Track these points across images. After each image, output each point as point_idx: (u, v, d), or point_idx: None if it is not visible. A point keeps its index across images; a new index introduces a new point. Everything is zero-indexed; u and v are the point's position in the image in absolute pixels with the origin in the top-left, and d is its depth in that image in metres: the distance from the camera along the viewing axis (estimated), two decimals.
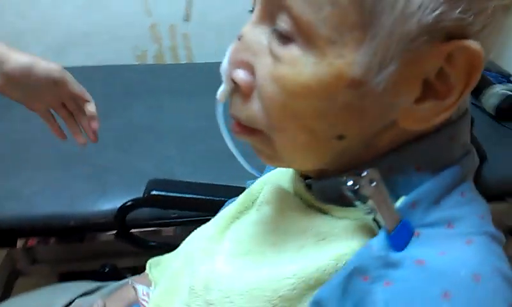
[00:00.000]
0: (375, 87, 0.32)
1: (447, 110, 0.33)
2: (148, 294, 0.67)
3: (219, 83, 0.39)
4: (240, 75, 0.36)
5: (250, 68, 0.36)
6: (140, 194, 0.88)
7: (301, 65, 0.32)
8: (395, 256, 0.32)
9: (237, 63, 0.36)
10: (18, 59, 0.64)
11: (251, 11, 0.36)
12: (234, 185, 0.79)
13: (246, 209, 0.52)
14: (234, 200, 0.56)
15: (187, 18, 1.73)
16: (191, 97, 1.40)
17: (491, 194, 1.06)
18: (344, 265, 0.34)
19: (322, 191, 0.41)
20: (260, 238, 0.44)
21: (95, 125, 0.73)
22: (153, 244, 1.00)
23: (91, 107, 0.72)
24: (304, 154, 0.38)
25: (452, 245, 0.32)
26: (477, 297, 0.29)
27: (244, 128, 0.38)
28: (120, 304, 0.68)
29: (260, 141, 0.38)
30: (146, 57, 1.77)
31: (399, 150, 0.36)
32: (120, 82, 1.49)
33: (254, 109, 0.36)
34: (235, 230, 0.50)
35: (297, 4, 0.31)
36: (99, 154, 1.09)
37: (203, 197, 0.88)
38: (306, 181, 0.43)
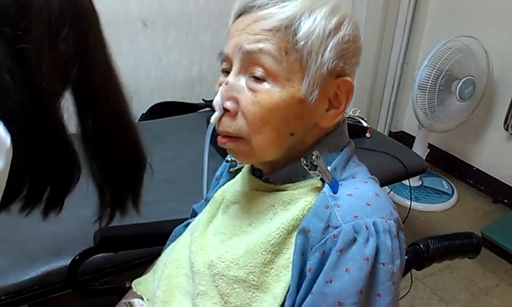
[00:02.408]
0: (310, 102, 0.59)
1: (340, 114, 0.63)
2: (143, 304, 0.75)
3: None
4: (230, 104, 0.60)
5: (235, 100, 0.60)
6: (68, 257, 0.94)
7: (271, 93, 0.58)
8: (336, 194, 0.59)
9: (226, 97, 0.61)
10: None
11: (220, 55, 0.63)
12: (174, 218, 0.95)
13: (216, 213, 0.74)
14: (183, 225, 0.87)
15: None
16: None
17: None
18: (309, 209, 0.59)
19: (278, 178, 0.65)
20: (237, 223, 0.67)
21: None
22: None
23: None
24: (272, 148, 0.61)
25: (359, 185, 0.61)
26: (380, 203, 0.58)
27: (230, 138, 0.62)
28: None
29: (242, 146, 0.62)
30: None
31: (319, 142, 0.64)
32: None
33: (239, 124, 0.60)
34: (213, 227, 0.72)
35: (268, 62, 0.57)
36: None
37: (152, 231, 0.98)
38: (263, 178, 0.67)
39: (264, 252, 0.61)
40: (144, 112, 1.97)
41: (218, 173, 0.84)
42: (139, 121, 1.94)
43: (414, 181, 2.32)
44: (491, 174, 2.39)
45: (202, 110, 2.00)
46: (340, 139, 0.66)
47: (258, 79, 0.58)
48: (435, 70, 2.03)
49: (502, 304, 1.75)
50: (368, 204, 0.57)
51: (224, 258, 0.64)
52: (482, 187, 2.44)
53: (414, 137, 2.41)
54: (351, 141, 0.68)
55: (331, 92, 0.61)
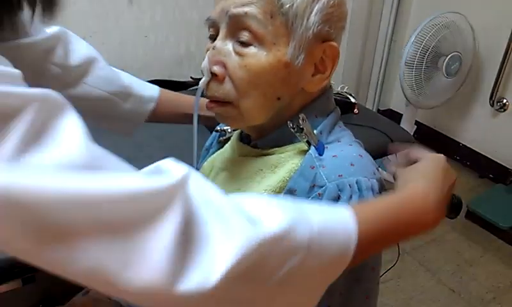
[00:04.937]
0: (296, 66, 0.60)
1: (326, 79, 0.63)
2: None
3: None
4: (217, 69, 0.60)
5: (222, 64, 0.60)
6: None
7: (258, 57, 0.59)
8: (322, 156, 0.60)
9: (213, 62, 0.61)
10: None
11: (207, 20, 0.64)
12: None
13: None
14: None
15: None
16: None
17: None
18: (296, 171, 0.61)
19: (265, 143, 0.67)
20: (227, 190, 0.65)
21: None
22: None
23: None
24: (260, 112, 0.62)
25: (344, 148, 0.63)
26: (363, 163, 0.61)
27: (218, 103, 0.62)
28: None
29: (231, 110, 0.62)
30: None
31: (305, 107, 0.65)
32: None
33: (227, 88, 0.61)
34: None
35: (253, 26, 0.58)
36: None
37: None
38: (251, 143, 0.69)
39: None
40: None
41: (208, 143, 0.84)
42: None
43: None
44: (477, 150, 2.43)
45: (191, 88, 2.00)
46: (327, 105, 0.67)
47: (245, 43, 0.59)
48: (422, 47, 2.04)
49: (486, 274, 1.80)
50: (352, 165, 0.59)
51: None
52: (468, 163, 2.48)
53: (401, 115, 2.43)
54: (337, 108, 0.70)
55: (317, 57, 0.62)
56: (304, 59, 0.60)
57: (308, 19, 0.59)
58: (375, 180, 0.59)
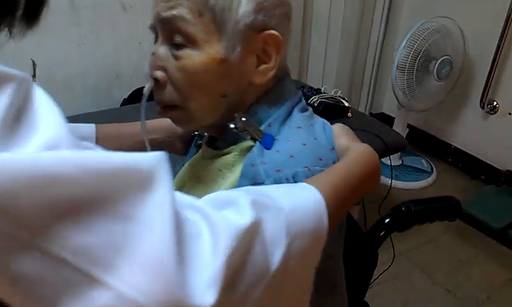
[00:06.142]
0: (233, 61, 0.58)
1: (272, 69, 0.61)
2: None
3: None
4: (158, 74, 0.60)
5: (163, 69, 0.60)
6: None
7: (192, 57, 0.58)
8: (266, 151, 0.59)
9: (154, 67, 0.60)
10: None
11: (150, 27, 0.62)
12: None
13: (183, 186, 0.72)
14: None
15: (34, 79, 1.79)
16: None
17: None
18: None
19: (222, 142, 0.66)
20: (197, 195, 0.60)
21: None
22: None
23: None
24: (207, 111, 0.62)
25: (292, 136, 0.61)
26: (306, 152, 0.58)
27: (166, 108, 0.62)
28: None
29: (179, 113, 0.62)
30: None
31: (259, 100, 0.63)
32: None
33: (170, 92, 0.60)
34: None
35: (184, 27, 0.57)
36: None
37: None
38: (214, 144, 0.68)
39: None
40: (126, 97, 1.96)
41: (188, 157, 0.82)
42: (121, 106, 1.93)
43: (394, 161, 2.38)
44: (469, 152, 2.46)
45: None
46: (281, 94, 0.65)
47: (179, 45, 0.58)
48: (413, 51, 2.07)
49: (480, 274, 1.82)
50: (291, 156, 0.58)
51: None
52: (460, 165, 2.51)
53: (394, 118, 2.46)
54: (298, 93, 0.68)
55: (257, 47, 0.60)
56: (242, 52, 0.59)
57: (237, 11, 0.57)
58: (318, 168, 0.57)
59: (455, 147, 2.53)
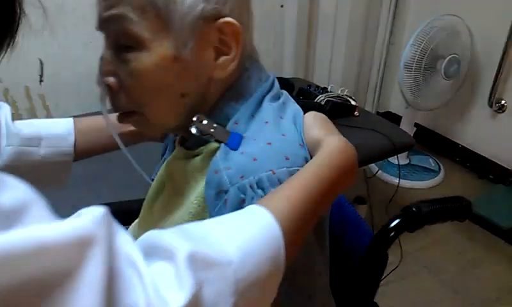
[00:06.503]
0: (187, 57, 0.53)
1: (233, 60, 0.55)
2: None
3: None
4: (109, 79, 0.55)
5: (114, 74, 0.55)
6: None
7: (141, 59, 0.52)
8: (231, 153, 0.54)
9: (104, 73, 0.55)
10: None
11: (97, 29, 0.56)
12: None
13: (162, 188, 0.70)
14: None
15: (41, 79, 1.79)
16: None
17: None
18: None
19: (192, 143, 0.62)
20: (173, 198, 0.63)
21: None
22: None
23: None
24: (167, 114, 0.57)
25: (258, 134, 0.55)
26: (271, 153, 0.53)
27: (124, 115, 0.57)
28: None
29: (137, 119, 0.57)
30: None
31: (224, 96, 0.58)
32: None
33: (124, 97, 0.55)
34: (159, 204, 0.69)
35: (127, 27, 0.51)
36: None
37: None
38: (186, 144, 0.63)
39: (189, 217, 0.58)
40: None
41: (163, 149, 0.79)
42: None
43: (402, 160, 2.36)
44: (477, 151, 2.44)
45: None
46: (247, 86, 0.59)
47: (126, 48, 0.52)
48: (420, 49, 2.05)
49: (490, 274, 1.80)
50: (254, 159, 0.52)
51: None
52: (468, 164, 2.49)
53: (400, 117, 2.44)
54: (269, 79, 0.62)
55: (212, 39, 0.54)
56: (196, 46, 0.53)
57: (183, 2, 0.51)
58: (285, 169, 0.52)
59: (463, 146, 2.51)
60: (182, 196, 0.61)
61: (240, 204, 0.50)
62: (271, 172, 0.51)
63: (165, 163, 0.69)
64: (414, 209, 0.70)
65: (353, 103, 1.83)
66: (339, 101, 1.78)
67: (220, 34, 0.54)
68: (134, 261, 0.35)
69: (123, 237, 0.36)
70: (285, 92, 0.65)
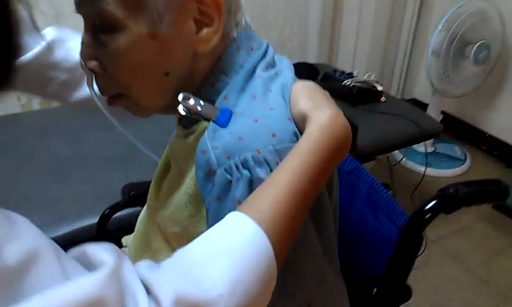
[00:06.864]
0: (165, 33, 0.50)
1: (217, 32, 0.52)
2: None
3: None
4: (92, 63, 0.53)
5: (95, 57, 0.53)
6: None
7: (118, 40, 0.50)
8: (220, 130, 0.51)
9: (86, 56, 0.54)
10: None
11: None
12: None
13: (168, 167, 0.68)
14: None
15: None
16: (98, 128, 1.48)
17: (363, 154, 1.48)
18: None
19: (187, 122, 0.59)
20: (175, 176, 0.62)
21: None
22: None
23: None
24: (154, 95, 0.55)
25: (246, 110, 0.53)
26: (256, 131, 0.50)
27: (112, 98, 0.56)
28: None
29: (125, 101, 0.56)
30: (31, 105, 1.87)
31: (212, 70, 0.55)
32: (24, 128, 1.59)
33: (109, 81, 0.54)
34: (167, 182, 0.67)
35: (102, 8, 0.48)
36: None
37: None
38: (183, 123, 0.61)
39: (187, 205, 0.58)
40: None
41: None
42: None
43: (427, 148, 2.34)
44: (504, 140, 2.39)
45: None
46: (237, 57, 0.56)
47: (104, 30, 0.51)
48: (449, 35, 2.01)
49: None
50: (240, 139, 0.50)
51: (163, 216, 0.62)
52: (495, 153, 2.45)
53: (426, 105, 2.41)
54: (262, 46, 0.58)
55: (191, 11, 0.51)
56: (173, 20, 0.50)
57: None
58: (271, 147, 0.49)
59: (490, 134, 2.46)
60: (182, 175, 0.60)
61: (227, 186, 0.50)
62: (256, 151, 0.49)
63: (169, 141, 0.68)
64: (451, 191, 0.70)
65: (380, 88, 1.82)
66: (365, 86, 1.77)
67: (199, 4, 0.51)
68: None
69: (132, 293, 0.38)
70: (284, 58, 0.61)
